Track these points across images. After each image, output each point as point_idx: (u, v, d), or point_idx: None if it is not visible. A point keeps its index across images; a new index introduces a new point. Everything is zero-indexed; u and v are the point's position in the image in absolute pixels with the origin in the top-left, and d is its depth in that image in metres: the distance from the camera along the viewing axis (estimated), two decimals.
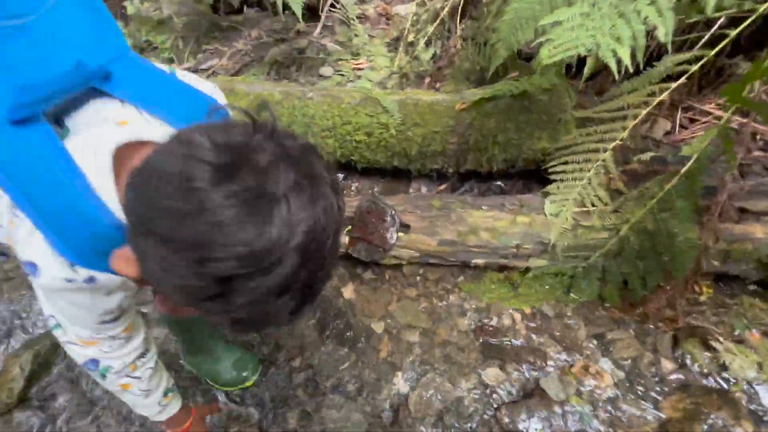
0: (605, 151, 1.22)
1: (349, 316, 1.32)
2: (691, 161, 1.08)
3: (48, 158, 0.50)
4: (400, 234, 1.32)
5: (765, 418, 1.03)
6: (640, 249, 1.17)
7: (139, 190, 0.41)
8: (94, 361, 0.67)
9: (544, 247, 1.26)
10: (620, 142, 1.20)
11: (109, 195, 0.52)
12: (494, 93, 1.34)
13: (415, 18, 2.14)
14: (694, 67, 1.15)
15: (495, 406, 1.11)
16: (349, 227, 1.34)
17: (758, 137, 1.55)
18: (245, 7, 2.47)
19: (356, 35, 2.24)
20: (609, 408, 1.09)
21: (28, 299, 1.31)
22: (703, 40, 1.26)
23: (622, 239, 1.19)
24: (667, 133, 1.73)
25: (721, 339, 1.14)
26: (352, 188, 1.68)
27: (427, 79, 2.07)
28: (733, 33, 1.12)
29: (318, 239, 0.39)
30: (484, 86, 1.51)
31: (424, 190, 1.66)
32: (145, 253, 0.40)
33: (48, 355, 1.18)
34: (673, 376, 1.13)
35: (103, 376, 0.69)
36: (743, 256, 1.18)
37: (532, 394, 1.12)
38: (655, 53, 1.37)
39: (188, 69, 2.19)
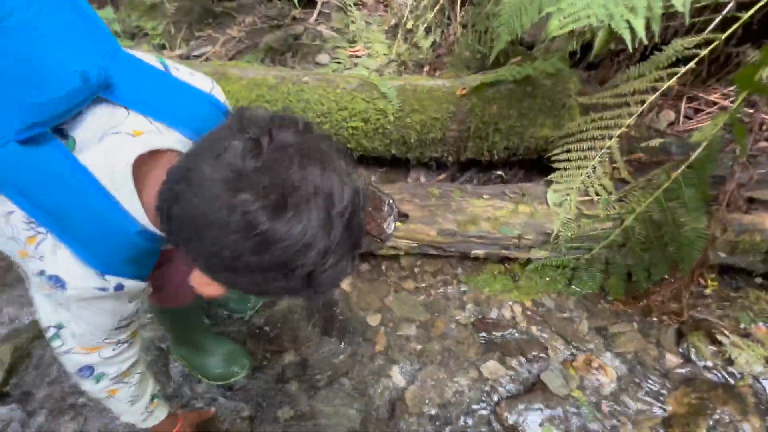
0: (610, 138, 1.18)
1: (344, 308, 1.27)
2: (701, 149, 1.04)
3: (67, 175, 0.51)
4: (398, 223, 1.27)
5: None
6: (646, 240, 1.14)
7: (205, 244, 0.44)
8: (90, 368, 0.66)
9: (546, 237, 1.22)
10: (626, 130, 1.16)
11: (133, 205, 0.53)
12: (496, 78, 1.30)
13: (414, 4, 2.08)
14: (704, 51, 1.10)
15: (495, 400, 1.08)
16: None
17: (764, 127, 1.52)
18: None
19: (353, 22, 2.19)
20: (612, 403, 1.06)
21: (8, 293, 1.26)
22: (713, 24, 1.21)
23: (627, 230, 1.15)
24: (671, 124, 1.69)
25: (726, 332, 1.11)
26: None
27: (426, 67, 2.01)
28: (746, 16, 1.07)
29: (357, 212, 0.46)
30: (485, 71, 1.46)
31: (422, 179, 1.61)
32: (233, 282, 0.48)
33: (28, 347, 1.13)
34: (678, 371, 1.10)
35: (97, 380, 0.68)
36: (751, 247, 1.15)
37: (533, 389, 1.08)
38: (663, 37, 1.32)
39: (180, 56, 2.13)
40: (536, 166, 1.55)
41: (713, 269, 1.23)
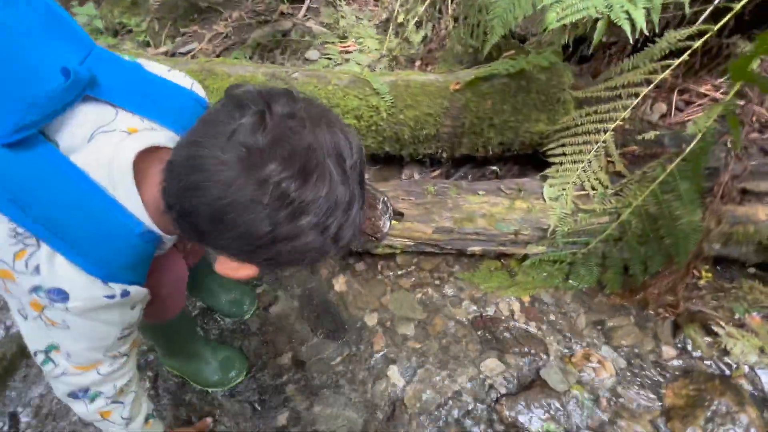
0: (605, 132, 1.17)
1: (340, 309, 1.26)
2: (695, 141, 1.04)
3: (62, 178, 0.48)
4: (394, 222, 1.25)
5: None
6: (642, 233, 1.14)
7: (235, 227, 0.44)
8: (85, 390, 0.62)
9: (542, 233, 1.22)
10: (621, 123, 1.16)
11: (134, 205, 0.51)
12: (490, 72, 1.28)
13: None
14: (698, 43, 1.10)
15: (495, 398, 1.07)
16: None
17: (754, 119, 1.53)
18: None
19: (343, 17, 2.15)
20: (611, 396, 1.06)
21: None
22: (704, 15, 1.21)
23: (624, 223, 1.15)
24: (663, 116, 1.69)
25: (722, 323, 1.12)
26: None
27: (418, 62, 1.99)
28: (737, 6, 1.07)
29: (363, 162, 0.50)
30: (478, 65, 1.45)
31: (416, 176, 1.60)
32: (271, 257, 0.47)
33: (14, 358, 1.09)
34: (675, 363, 1.11)
35: (92, 400, 0.64)
36: (744, 238, 1.16)
37: (532, 385, 1.08)
38: (656, 30, 1.32)
39: (165, 53, 2.07)
40: (531, 160, 1.54)
41: (707, 261, 1.23)
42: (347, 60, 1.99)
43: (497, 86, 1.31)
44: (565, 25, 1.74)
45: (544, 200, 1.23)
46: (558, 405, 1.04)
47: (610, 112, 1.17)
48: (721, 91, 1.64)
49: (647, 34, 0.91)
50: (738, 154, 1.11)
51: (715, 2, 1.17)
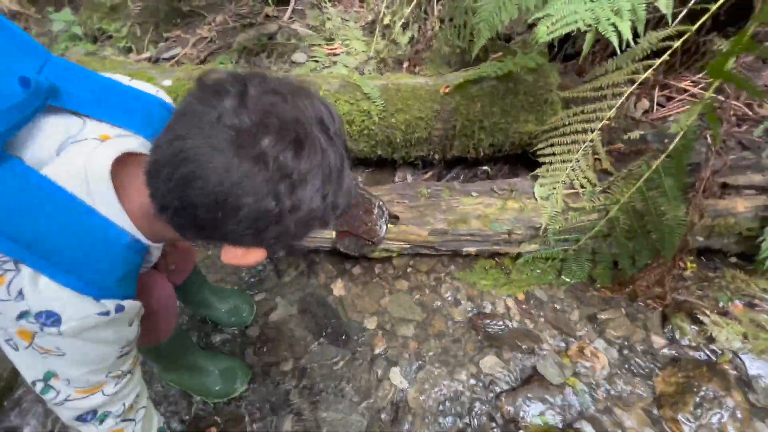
0: (593, 131, 1.20)
1: (340, 313, 1.27)
2: (678, 138, 1.08)
3: (36, 193, 0.46)
4: (390, 225, 1.27)
5: (753, 386, 1.07)
6: (630, 229, 1.18)
7: (238, 212, 0.44)
8: (92, 412, 0.60)
9: (535, 231, 1.25)
10: (608, 122, 1.19)
11: (117, 214, 0.50)
12: (479, 75, 1.30)
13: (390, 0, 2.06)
14: (677, 43, 1.14)
15: (495, 394, 1.10)
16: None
17: (732, 113, 1.59)
18: None
19: (329, 19, 2.14)
20: (606, 387, 1.10)
21: None
22: (681, 15, 1.25)
23: (612, 220, 1.19)
24: (646, 112, 1.75)
25: (707, 312, 1.17)
26: None
27: (406, 63, 2.00)
28: (714, 7, 1.11)
29: (342, 126, 0.51)
30: (467, 68, 1.47)
31: (409, 178, 1.61)
32: (278, 234, 0.47)
33: (10, 378, 1.08)
34: (664, 351, 1.16)
35: (101, 421, 0.62)
36: (726, 230, 1.21)
37: (530, 380, 1.11)
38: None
39: (149, 59, 2.03)
40: (521, 160, 1.57)
41: (691, 252, 1.29)
42: (335, 62, 1.98)
43: (486, 89, 1.33)
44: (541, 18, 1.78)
45: (536, 199, 1.26)
46: (555, 398, 1.08)
47: (597, 112, 1.21)
48: (700, 86, 1.70)
49: (633, 46, 0.94)
50: (718, 150, 1.16)
51: (690, 4, 1.21)
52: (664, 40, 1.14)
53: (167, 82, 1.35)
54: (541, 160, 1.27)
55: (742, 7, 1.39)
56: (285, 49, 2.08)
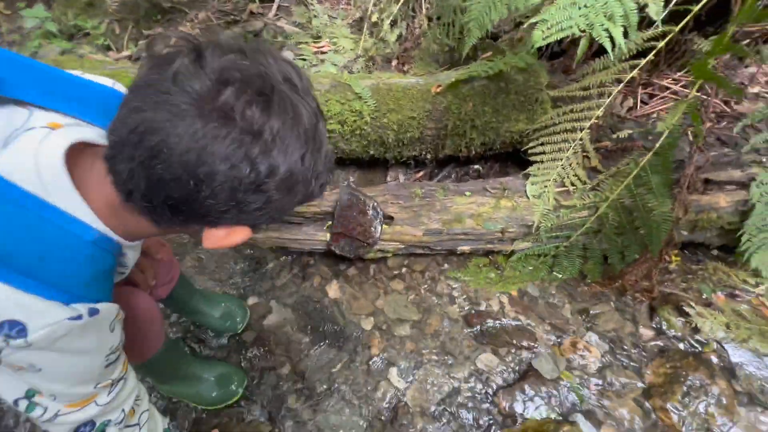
0: (582, 130, 1.23)
1: (336, 315, 1.26)
2: (664, 137, 1.11)
3: None
4: (384, 226, 1.27)
5: (736, 374, 1.12)
6: (618, 225, 1.21)
7: (213, 182, 0.40)
8: (90, 423, 0.56)
9: (528, 229, 1.27)
10: (596, 121, 1.22)
11: (79, 209, 0.45)
12: (470, 74, 1.31)
13: None
14: (661, 43, 1.17)
15: (492, 391, 1.12)
16: (330, 223, 1.27)
17: (711, 111, 1.65)
18: None
19: (315, 16, 2.11)
20: (597, 380, 1.13)
21: None
22: (662, 15, 1.28)
23: (602, 217, 1.21)
24: (630, 109, 1.79)
25: (692, 304, 1.22)
26: None
27: (394, 62, 1.99)
28: (696, 8, 1.14)
29: (311, 85, 0.47)
30: (457, 68, 1.47)
31: (401, 178, 1.61)
32: (262, 204, 0.44)
33: None
34: (653, 343, 1.20)
35: (102, 431, 0.58)
36: (708, 224, 1.25)
37: (526, 376, 1.14)
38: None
39: (129, 57, 1.96)
40: (511, 158, 1.59)
41: (676, 246, 1.33)
42: (322, 61, 1.96)
43: (477, 88, 1.33)
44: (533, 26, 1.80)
45: (528, 198, 1.28)
46: (550, 392, 1.10)
47: (585, 111, 1.23)
48: (681, 84, 1.75)
49: (625, 51, 0.95)
50: (701, 147, 1.20)
51: (671, 5, 1.25)
52: (649, 40, 1.17)
53: None
54: (532, 158, 1.29)
55: (720, 6, 1.44)
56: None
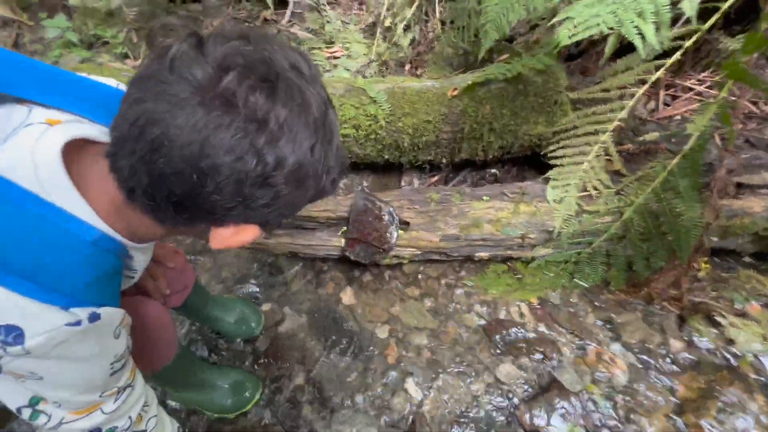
0: (604, 132, 1.19)
1: (350, 322, 1.24)
2: (693, 139, 1.06)
3: None
4: (400, 231, 1.24)
5: None
6: (644, 230, 1.16)
7: (217, 175, 0.38)
8: (96, 431, 0.55)
9: (548, 235, 1.23)
10: (619, 123, 1.17)
11: (78, 207, 0.43)
12: (486, 77, 1.28)
13: (390, 1, 2.04)
14: (688, 42, 1.13)
15: (513, 404, 1.07)
16: (345, 228, 1.25)
17: (741, 113, 1.59)
18: None
19: (328, 22, 2.12)
20: (625, 394, 1.08)
21: None
22: (688, 14, 1.24)
23: (626, 222, 1.17)
24: (652, 111, 1.74)
25: (724, 314, 1.15)
26: (340, 185, 1.58)
27: (408, 66, 1.98)
28: (725, 5, 1.10)
29: (320, 75, 0.46)
30: (473, 71, 1.45)
31: (416, 182, 1.59)
32: (270, 199, 0.41)
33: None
34: (683, 355, 1.14)
35: None
36: (741, 230, 1.20)
37: (549, 388, 1.09)
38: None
39: None
40: (528, 162, 1.55)
41: (705, 253, 1.27)
42: (335, 66, 1.96)
43: (494, 91, 1.31)
44: (554, 26, 1.77)
45: (548, 202, 1.24)
46: (575, 406, 1.05)
47: (608, 113, 1.19)
48: (705, 85, 1.69)
49: (657, 49, 0.91)
50: (732, 149, 1.15)
51: (698, 2, 1.20)
52: (675, 39, 1.13)
53: None
54: (552, 162, 1.25)
55: (748, 4, 1.39)
56: None
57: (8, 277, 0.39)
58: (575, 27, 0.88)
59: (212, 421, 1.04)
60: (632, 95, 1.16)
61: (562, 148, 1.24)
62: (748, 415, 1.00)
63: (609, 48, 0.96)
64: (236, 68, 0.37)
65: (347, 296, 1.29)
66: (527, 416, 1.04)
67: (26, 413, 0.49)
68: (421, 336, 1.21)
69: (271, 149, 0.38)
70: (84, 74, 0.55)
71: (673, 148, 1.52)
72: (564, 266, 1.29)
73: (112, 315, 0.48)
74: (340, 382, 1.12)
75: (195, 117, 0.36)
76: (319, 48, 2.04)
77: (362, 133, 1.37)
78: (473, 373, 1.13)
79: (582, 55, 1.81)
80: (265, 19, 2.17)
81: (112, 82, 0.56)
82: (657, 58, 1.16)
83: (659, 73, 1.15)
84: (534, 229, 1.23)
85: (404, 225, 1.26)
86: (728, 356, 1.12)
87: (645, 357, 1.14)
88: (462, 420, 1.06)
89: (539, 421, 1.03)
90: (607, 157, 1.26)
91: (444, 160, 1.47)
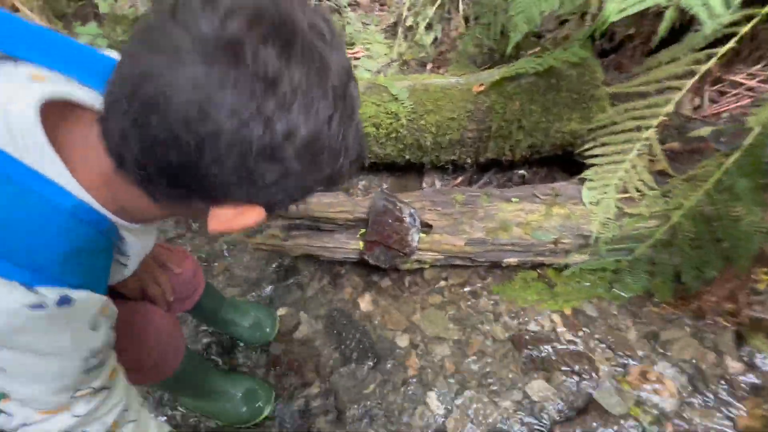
0: (648, 128, 1.08)
1: (368, 330, 1.17)
2: (754, 133, 0.94)
3: None
4: (422, 235, 1.17)
5: None
6: (695, 237, 1.04)
7: (218, 142, 0.32)
8: None
9: (584, 240, 1.13)
10: (665, 118, 1.07)
11: (54, 169, 0.37)
12: (516, 71, 1.20)
13: (412, 1, 1.99)
14: (744, 29, 1.02)
15: (547, 426, 0.97)
16: (363, 230, 1.19)
17: None
18: None
19: (348, 23, 2.09)
20: (677, 420, 0.96)
21: None
22: None
23: (675, 227, 1.05)
24: (696, 108, 1.61)
25: None
26: (359, 186, 1.53)
27: (430, 65, 1.93)
28: None
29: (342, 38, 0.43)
30: (498, 66, 1.37)
31: (438, 184, 1.52)
32: (279, 189, 0.37)
33: None
34: (743, 378, 1.01)
35: None
36: None
37: (586, 410, 0.98)
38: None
39: None
40: (559, 162, 1.45)
41: (765, 263, 1.13)
42: (356, 67, 1.93)
43: (524, 86, 1.23)
44: (583, 17, 1.67)
45: (584, 205, 1.14)
46: (618, 431, 0.94)
47: (651, 107, 1.09)
48: (758, 79, 1.55)
49: (721, 22, 0.81)
50: None
51: None
52: (729, 26, 1.02)
53: None
54: (588, 161, 1.16)
55: None
56: None
57: None
58: (624, 0, 0.79)
59: (219, 429, 0.99)
60: (679, 88, 1.06)
61: (600, 146, 1.14)
62: None
63: (665, 25, 0.86)
64: (246, 15, 0.31)
65: (365, 302, 1.23)
66: None
67: None
68: (444, 347, 1.13)
69: (281, 116, 0.32)
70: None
71: (721, 147, 1.38)
72: (602, 275, 1.18)
73: (88, 300, 0.41)
74: (357, 393, 1.06)
75: (195, 72, 0.30)
76: None
77: (383, 131, 1.31)
78: (501, 389, 1.04)
79: (617, 51, 1.70)
80: None
81: (114, 54, 0.51)
82: (706, 48, 1.05)
83: (711, 63, 1.04)
84: (568, 233, 1.13)
85: (426, 227, 1.18)
86: None
87: (697, 378, 1.02)
88: None
89: None
90: (650, 157, 1.15)
91: (468, 161, 1.40)
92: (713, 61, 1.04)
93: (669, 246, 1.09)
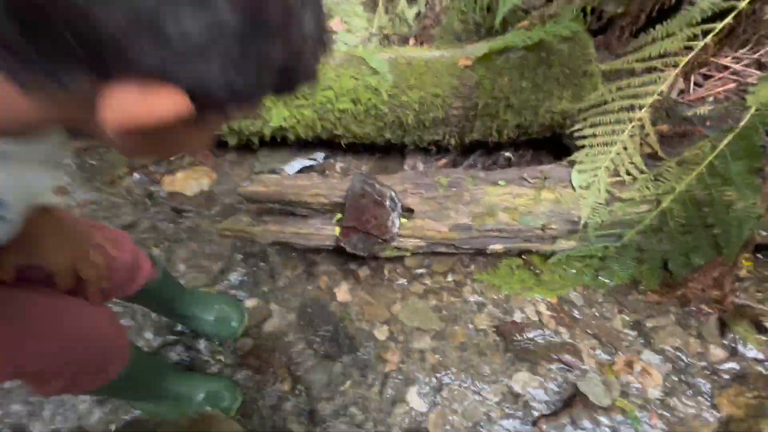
0: (641, 108, 1.03)
1: (345, 322, 1.09)
2: (749, 114, 0.90)
3: None
4: (403, 220, 1.09)
5: None
6: (686, 222, 1.01)
7: None
8: None
9: (573, 226, 1.08)
10: (659, 97, 1.01)
11: None
12: (506, 44, 1.12)
13: None
14: (743, 4, 0.96)
15: (532, 419, 0.93)
16: (339, 215, 1.10)
17: None
18: None
19: None
20: (661, 409, 0.94)
21: None
22: None
23: (665, 212, 1.01)
24: (681, 92, 1.58)
25: None
26: (337, 168, 1.42)
27: (412, 40, 1.81)
28: None
29: None
30: (488, 39, 1.28)
31: (420, 166, 1.43)
32: (198, 66, 0.25)
33: None
34: (727, 366, 0.99)
35: None
36: None
37: (572, 401, 0.95)
38: None
39: None
40: (547, 145, 1.40)
41: (749, 248, 1.12)
42: (334, 42, 1.79)
43: (514, 60, 1.14)
44: None
45: (574, 189, 1.09)
46: (605, 423, 0.91)
47: (645, 86, 1.03)
48: (743, 63, 1.53)
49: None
50: None
51: None
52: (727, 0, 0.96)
53: None
54: (579, 143, 1.10)
55: None
56: None
57: None
58: None
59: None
60: (675, 65, 1.00)
61: (591, 126, 1.08)
62: None
63: None
64: None
65: (342, 292, 1.14)
66: None
67: None
68: (425, 339, 1.07)
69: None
70: None
71: (708, 132, 1.36)
72: (588, 262, 1.14)
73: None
74: (333, 391, 0.98)
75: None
76: None
77: (361, 107, 1.20)
78: (484, 382, 0.99)
79: (605, 32, 1.64)
80: None
81: None
82: (704, 23, 1.00)
83: (708, 39, 0.99)
84: (557, 218, 1.07)
85: (408, 212, 1.10)
86: None
87: (682, 366, 1.00)
88: None
89: None
90: (643, 139, 1.10)
91: (452, 141, 1.31)
92: (710, 36, 0.98)
93: (658, 232, 1.05)
